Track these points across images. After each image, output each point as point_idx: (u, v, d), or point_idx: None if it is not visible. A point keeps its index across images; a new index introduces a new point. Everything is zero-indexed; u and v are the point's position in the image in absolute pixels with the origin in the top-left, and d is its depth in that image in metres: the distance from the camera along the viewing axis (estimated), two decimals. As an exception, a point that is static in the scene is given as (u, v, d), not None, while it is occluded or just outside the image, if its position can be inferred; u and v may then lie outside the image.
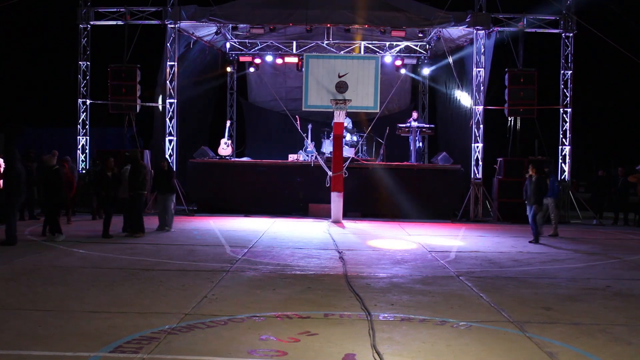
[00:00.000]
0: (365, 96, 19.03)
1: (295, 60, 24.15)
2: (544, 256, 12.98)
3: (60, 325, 6.94)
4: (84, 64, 21.10)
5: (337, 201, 18.97)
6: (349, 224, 18.42)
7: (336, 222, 18.63)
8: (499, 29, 20.40)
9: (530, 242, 14.97)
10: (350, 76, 18.96)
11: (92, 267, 10.69)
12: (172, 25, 20.58)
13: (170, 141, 20.85)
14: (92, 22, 20.86)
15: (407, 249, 13.70)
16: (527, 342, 6.61)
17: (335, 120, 19.13)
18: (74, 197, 17.76)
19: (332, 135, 22.03)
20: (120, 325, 6.92)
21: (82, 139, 21.27)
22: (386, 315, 7.66)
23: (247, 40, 24.69)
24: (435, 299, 8.65)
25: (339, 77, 18.94)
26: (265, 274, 10.34)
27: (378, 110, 19.79)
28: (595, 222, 20.28)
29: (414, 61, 24.77)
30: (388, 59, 23.89)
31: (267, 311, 7.69)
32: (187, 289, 8.98)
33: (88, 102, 21.22)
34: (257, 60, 24.70)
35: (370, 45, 24.15)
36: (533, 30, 20.58)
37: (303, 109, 20.13)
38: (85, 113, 21.26)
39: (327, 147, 22.33)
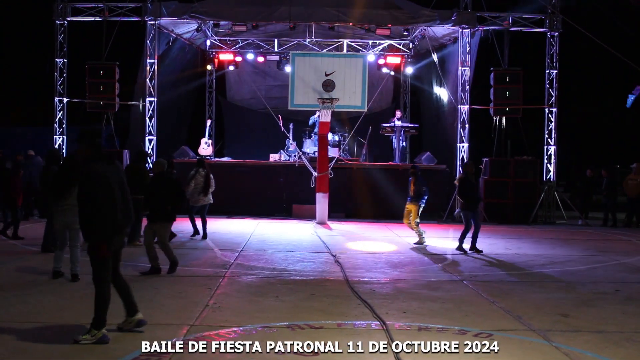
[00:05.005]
0: (352, 95, 18.59)
1: (276, 58, 23.72)
2: (541, 258, 12.76)
3: (60, 340, 6.48)
4: (60, 61, 20.37)
5: (322, 202, 18.59)
6: (335, 226, 18.05)
7: (321, 223, 18.24)
8: (485, 27, 20.21)
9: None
10: (337, 75, 18.50)
11: (79, 273, 10.17)
12: (152, 22, 19.99)
13: (150, 141, 20.29)
14: (69, 18, 20.10)
15: (402, 251, 13.39)
16: (557, 353, 6.32)
17: (322, 119, 18.72)
18: None
19: (313, 135, 21.72)
20: (124, 339, 6.50)
21: (59, 138, 20.55)
22: (401, 324, 7.31)
23: (227, 38, 24.18)
24: (446, 305, 8.34)
25: (326, 75, 18.45)
26: (263, 279, 9.95)
27: (365, 110, 19.43)
28: (580, 223, 20.18)
29: (397, 60, 24.43)
30: (371, 57, 23.52)
31: (276, 321, 7.30)
32: (185, 297, 8.57)
33: (65, 100, 20.53)
34: (238, 59, 24.20)
35: (352, 44, 23.78)
36: (518, 29, 20.41)
37: (289, 108, 19.57)
38: (62, 112, 20.57)
39: (309, 146, 21.95)
